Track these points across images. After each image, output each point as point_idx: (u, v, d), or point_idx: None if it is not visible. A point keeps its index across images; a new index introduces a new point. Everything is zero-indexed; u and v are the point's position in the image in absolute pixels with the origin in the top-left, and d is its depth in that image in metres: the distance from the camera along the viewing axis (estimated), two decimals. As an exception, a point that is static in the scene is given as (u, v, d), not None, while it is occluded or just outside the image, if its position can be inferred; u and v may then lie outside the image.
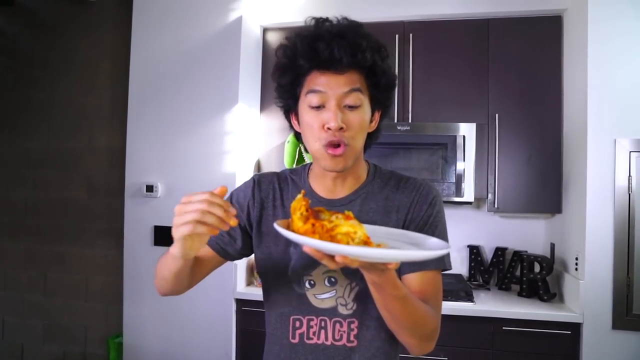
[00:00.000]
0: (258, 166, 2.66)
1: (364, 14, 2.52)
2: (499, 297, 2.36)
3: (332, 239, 0.67)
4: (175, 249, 0.81)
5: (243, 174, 2.45)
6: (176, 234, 0.77)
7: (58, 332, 3.08)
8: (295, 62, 0.92)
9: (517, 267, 2.51)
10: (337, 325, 0.97)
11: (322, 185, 1.01)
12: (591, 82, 2.10)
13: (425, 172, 2.41)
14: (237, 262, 2.32)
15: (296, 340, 0.99)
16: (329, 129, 0.88)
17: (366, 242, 0.67)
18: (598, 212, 2.08)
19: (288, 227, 0.74)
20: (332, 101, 0.89)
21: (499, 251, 2.59)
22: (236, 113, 2.39)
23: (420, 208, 0.98)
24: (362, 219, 0.88)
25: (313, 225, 0.68)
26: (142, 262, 2.46)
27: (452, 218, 2.69)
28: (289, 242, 0.97)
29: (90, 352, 3.03)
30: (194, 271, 1.00)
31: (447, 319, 2.15)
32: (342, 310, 0.97)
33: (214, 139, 2.41)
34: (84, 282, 3.04)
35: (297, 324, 0.99)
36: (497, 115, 2.40)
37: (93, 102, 3.03)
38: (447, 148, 2.38)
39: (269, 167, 2.63)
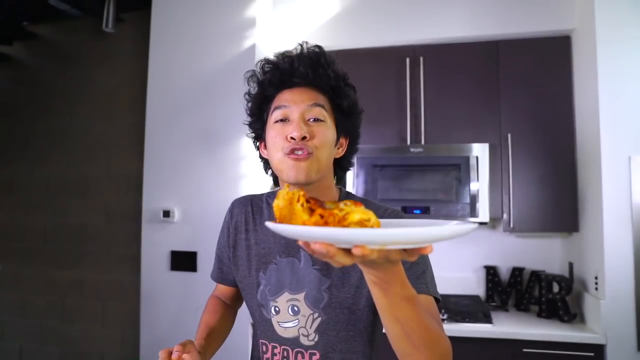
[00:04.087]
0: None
1: (374, 39, 2.58)
2: (518, 318, 2.32)
3: None
4: None
5: (258, 198, 2.46)
6: None
7: (75, 358, 3.08)
8: (262, 83, 0.98)
9: (535, 287, 2.48)
10: (299, 356, 0.95)
11: None
12: (602, 100, 2.11)
13: (440, 193, 2.41)
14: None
15: None
16: (292, 138, 0.89)
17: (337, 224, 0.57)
18: (616, 229, 2.06)
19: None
20: (296, 114, 0.92)
21: (516, 271, 2.56)
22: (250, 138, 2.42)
23: None
24: None
25: (322, 216, 0.57)
26: (159, 287, 2.47)
27: (468, 239, 2.70)
28: (259, 267, 1.00)
29: None
30: (231, 310, 1.16)
31: (466, 341, 2.15)
32: (304, 340, 0.95)
33: (230, 164, 2.44)
34: (101, 308, 3.05)
35: (264, 348, 1.00)
36: (509, 135, 2.41)
37: (111, 129, 3.10)
38: (461, 169, 2.39)
39: (283, 190, 2.62)
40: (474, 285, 2.68)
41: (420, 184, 2.44)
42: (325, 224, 0.56)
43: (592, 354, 2.03)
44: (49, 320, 3.15)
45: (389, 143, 2.51)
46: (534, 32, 2.44)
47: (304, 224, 0.57)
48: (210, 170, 2.46)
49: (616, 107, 2.10)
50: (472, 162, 2.38)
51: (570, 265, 2.41)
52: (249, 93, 1.02)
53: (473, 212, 2.36)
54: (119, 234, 3.03)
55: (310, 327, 0.95)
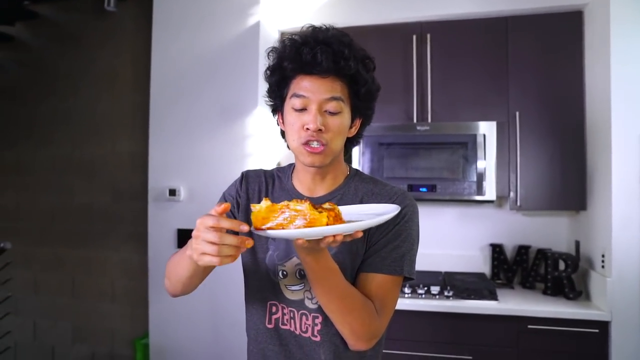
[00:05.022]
0: (279, 168, 2.67)
1: (380, 16, 2.54)
2: (523, 296, 2.34)
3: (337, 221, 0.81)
4: (198, 262, 0.78)
5: (264, 177, 2.47)
6: (200, 260, 0.77)
7: (86, 333, 3.15)
8: (281, 64, 0.99)
9: (541, 265, 2.49)
10: (304, 318, 1.02)
11: (303, 183, 1.07)
12: (614, 77, 2.07)
13: (446, 171, 2.40)
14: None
15: (272, 325, 1.05)
16: (308, 129, 0.95)
17: (341, 220, 0.82)
18: (624, 208, 2.05)
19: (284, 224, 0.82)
20: (313, 105, 0.95)
21: (522, 249, 2.56)
22: (256, 116, 2.41)
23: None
24: None
25: (333, 217, 0.79)
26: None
27: (474, 217, 2.70)
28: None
29: (118, 353, 3.09)
30: (205, 271, 1.04)
31: (471, 317, 2.18)
32: (309, 304, 1.02)
33: (235, 142, 2.43)
34: (110, 285, 3.10)
35: (274, 309, 1.06)
36: (517, 113, 2.38)
37: (115, 109, 3.09)
38: (468, 147, 2.37)
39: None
40: (479, 263, 2.69)
41: (426, 162, 2.43)
42: (338, 221, 0.79)
43: (597, 330, 2.05)
44: (60, 297, 3.21)
45: (395, 121, 2.49)
46: (545, 8, 2.38)
47: (327, 224, 0.77)
48: (216, 149, 2.46)
49: (629, 85, 2.06)
50: (480, 140, 2.36)
51: (577, 244, 2.40)
52: (269, 68, 1.04)
53: (480, 191, 2.35)
54: (126, 213, 3.06)
55: None
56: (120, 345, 3.08)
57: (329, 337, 1.01)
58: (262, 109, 2.45)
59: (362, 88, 1.00)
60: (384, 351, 1.13)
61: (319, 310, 1.00)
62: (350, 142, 1.08)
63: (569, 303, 2.20)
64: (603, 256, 2.13)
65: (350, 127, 1.03)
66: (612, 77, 2.07)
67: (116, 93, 3.10)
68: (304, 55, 0.95)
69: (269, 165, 2.56)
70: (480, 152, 2.35)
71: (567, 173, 2.35)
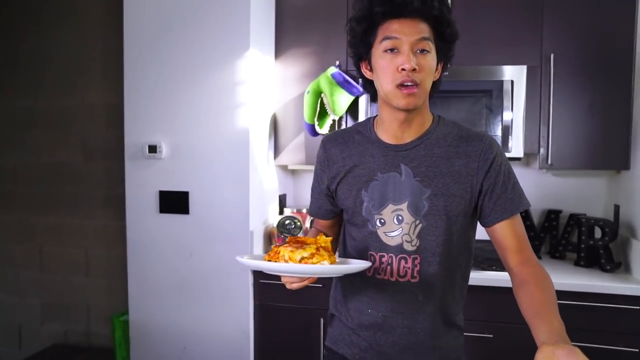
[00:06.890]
0: (274, 121, 2.37)
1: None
2: (552, 267, 2.10)
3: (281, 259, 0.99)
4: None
5: (257, 130, 2.18)
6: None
7: (58, 310, 2.97)
8: (371, 10, 1.03)
9: (573, 232, 2.27)
10: (402, 262, 1.09)
11: (389, 131, 1.11)
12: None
13: (466, 124, 2.09)
14: (253, 229, 2.13)
15: (370, 273, 1.14)
16: (403, 69, 0.99)
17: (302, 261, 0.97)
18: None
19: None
20: (406, 45, 1.00)
21: (552, 214, 2.34)
22: (248, 60, 2.10)
23: (487, 157, 1.07)
24: (427, 163, 1.07)
25: (276, 253, 1.00)
26: (147, 231, 2.25)
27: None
28: (360, 186, 1.13)
29: (94, 332, 2.92)
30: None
31: (492, 290, 1.88)
32: (407, 246, 1.09)
33: (224, 90, 2.14)
34: (84, 256, 2.91)
35: (372, 259, 1.13)
36: (552, 55, 2.08)
37: (85, 53, 2.81)
38: (492, 95, 2.09)
39: (286, 121, 2.35)
40: (502, 230, 2.44)
41: (444, 113, 2.07)
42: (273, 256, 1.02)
43: (638, 307, 1.82)
44: (26, 270, 3.02)
45: (409, 66, 2.18)
46: None
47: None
48: (202, 99, 2.17)
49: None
50: (506, 87, 2.08)
51: (617, 208, 2.16)
52: (355, 18, 1.07)
53: (505, 146, 2.08)
54: (100, 173, 2.84)
55: (413, 233, 1.08)
56: (97, 323, 2.91)
57: (427, 277, 1.09)
58: (255, 52, 2.14)
59: (446, 29, 1.03)
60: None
61: (418, 251, 1.08)
62: (433, 87, 1.09)
63: (605, 276, 1.98)
64: (649, 221, 1.88)
65: (435, 72, 1.07)
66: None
67: (86, 35, 2.80)
68: None
69: (264, 117, 2.27)
70: (506, 102, 2.07)
71: (608, 127, 2.08)
